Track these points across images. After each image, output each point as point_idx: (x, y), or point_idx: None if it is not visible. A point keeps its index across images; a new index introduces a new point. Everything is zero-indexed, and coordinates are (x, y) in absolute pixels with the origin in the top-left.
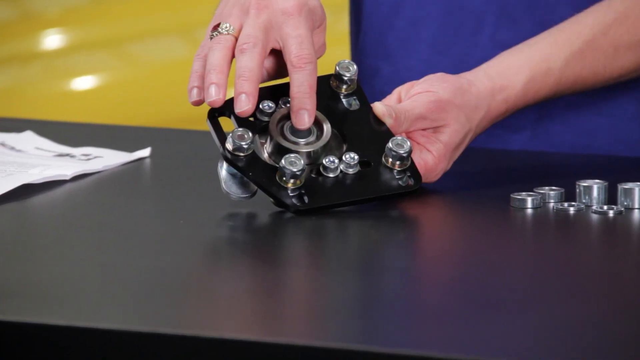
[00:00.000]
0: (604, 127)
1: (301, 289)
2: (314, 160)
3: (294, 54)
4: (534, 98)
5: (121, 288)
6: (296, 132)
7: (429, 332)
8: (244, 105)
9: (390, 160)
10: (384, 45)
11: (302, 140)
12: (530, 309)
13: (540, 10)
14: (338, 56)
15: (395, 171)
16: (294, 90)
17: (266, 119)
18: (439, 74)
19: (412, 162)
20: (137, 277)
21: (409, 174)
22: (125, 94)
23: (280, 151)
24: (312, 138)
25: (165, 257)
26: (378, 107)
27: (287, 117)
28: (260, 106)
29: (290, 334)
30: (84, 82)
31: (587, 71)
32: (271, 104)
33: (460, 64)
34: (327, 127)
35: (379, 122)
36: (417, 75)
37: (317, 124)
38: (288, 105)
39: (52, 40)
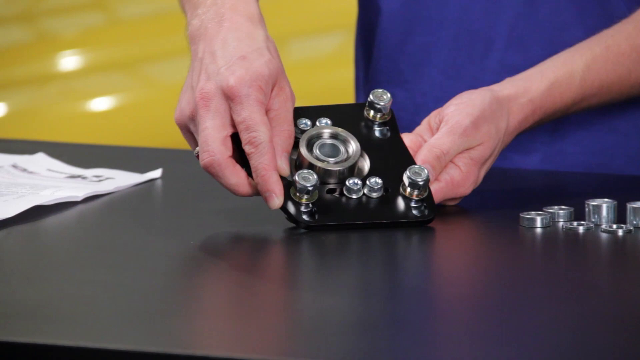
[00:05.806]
0: (618, 146)
1: (310, 307)
2: (340, 180)
3: (243, 141)
4: (561, 102)
5: (132, 309)
6: (326, 151)
7: (436, 351)
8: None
9: (408, 189)
10: (397, 71)
11: (331, 160)
12: (540, 329)
13: (548, 33)
14: (346, 79)
15: (413, 201)
16: (254, 175)
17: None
18: (464, 94)
19: (430, 194)
20: (149, 299)
21: (425, 205)
22: (142, 115)
23: (309, 168)
24: (341, 157)
25: (177, 278)
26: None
27: (318, 135)
28: (297, 124)
29: (301, 354)
30: (100, 104)
31: (612, 75)
32: (308, 122)
33: (472, 88)
34: (356, 147)
35: (405, 152)
36: (432, 100)
37: (347, 143)
38: (324, 124)
39: (68, 61)
